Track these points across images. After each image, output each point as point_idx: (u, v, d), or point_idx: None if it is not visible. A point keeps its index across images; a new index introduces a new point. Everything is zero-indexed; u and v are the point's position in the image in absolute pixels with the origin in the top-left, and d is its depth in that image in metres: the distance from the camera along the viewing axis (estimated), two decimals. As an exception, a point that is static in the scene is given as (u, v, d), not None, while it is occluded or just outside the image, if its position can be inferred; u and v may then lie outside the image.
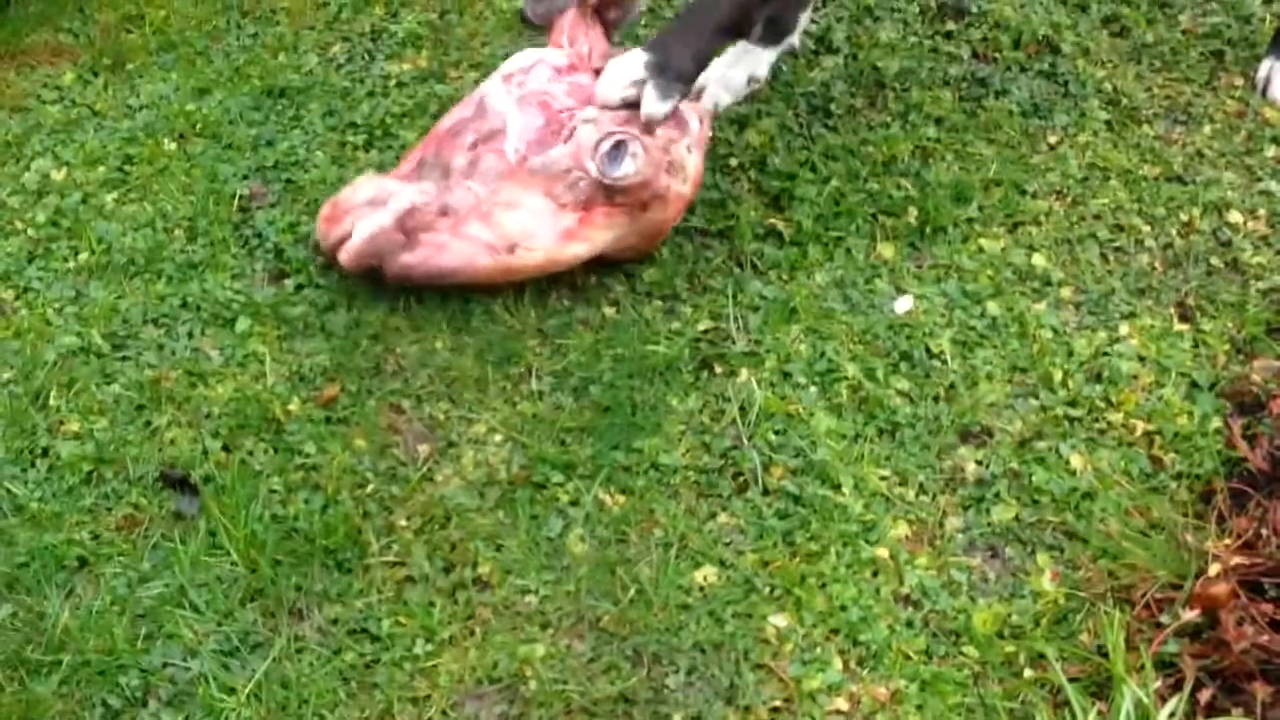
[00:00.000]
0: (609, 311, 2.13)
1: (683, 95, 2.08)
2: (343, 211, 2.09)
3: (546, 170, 2.04)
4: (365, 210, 2.07)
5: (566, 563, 1.80)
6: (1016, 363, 2.04)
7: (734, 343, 2.08)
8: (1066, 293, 2.16)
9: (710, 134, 2.19)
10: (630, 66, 2.07)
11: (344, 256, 2.06)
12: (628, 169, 2.03)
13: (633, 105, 2.06)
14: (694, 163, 2.11)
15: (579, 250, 2.07)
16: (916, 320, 2.10)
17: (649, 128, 2.06)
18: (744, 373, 2.03)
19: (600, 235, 2.07)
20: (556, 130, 2.07)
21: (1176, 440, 1.92)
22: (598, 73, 2.16)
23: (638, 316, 2.12)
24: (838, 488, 1.87)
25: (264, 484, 1.87)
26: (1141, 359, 2.04)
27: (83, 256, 2.19)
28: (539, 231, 2.05)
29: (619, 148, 2.03)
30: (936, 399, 1.99)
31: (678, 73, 2.05)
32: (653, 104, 2.05)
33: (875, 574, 1.78)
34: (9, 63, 2.58)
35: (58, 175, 2.33)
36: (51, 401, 1.97)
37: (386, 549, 1.82)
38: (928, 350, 2.06)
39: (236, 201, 2.28)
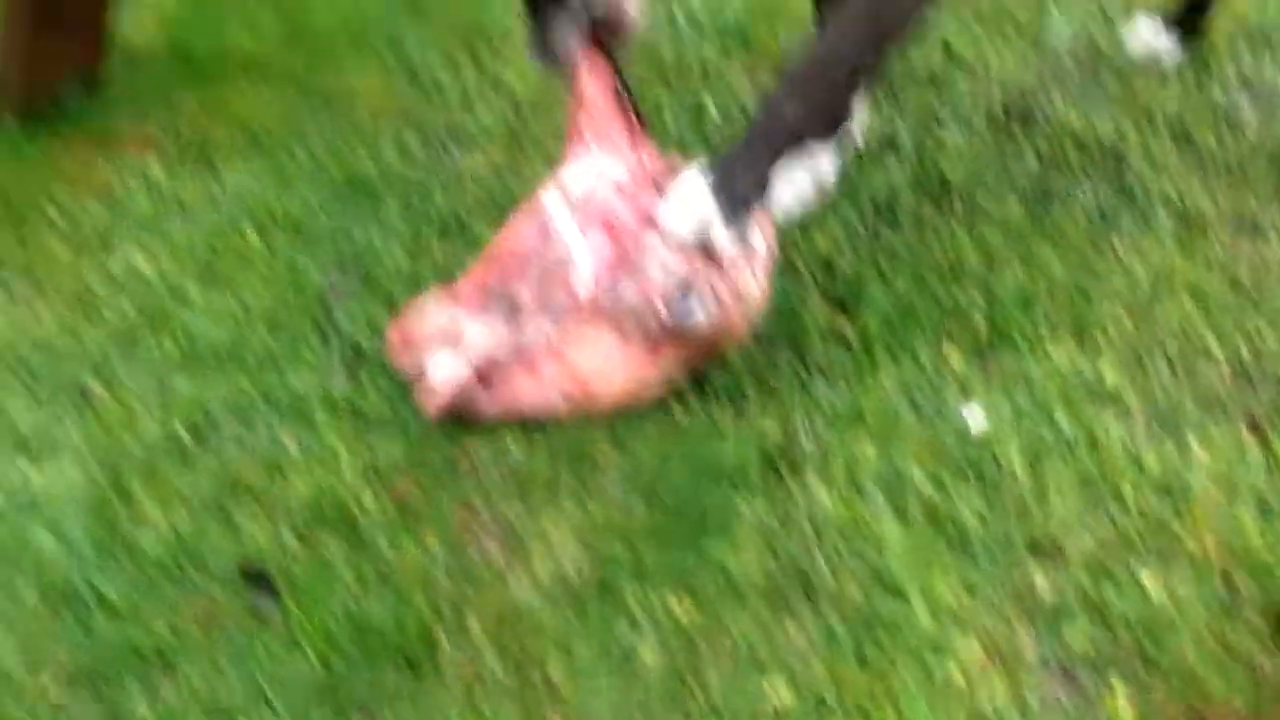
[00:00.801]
0: (678, 414, 2.15)
1: (749, 222, 2.08)
2: (413, 341, 2.13)
3: (616, 309, 2.08)
4: (436, 343, 2.10)
5: (636, 669, 1.81)
6: (1087, 476, 2.04)
7: (802, 448, 2.09)
8: (1135, 405, 2.16)
9: (776, 251, 2.20)
10: (696, 197, 2.07)
11: (428, 409, 2.10)
12: (697, 315, 2.07)
13: (701, 236, 2.07)
14: (761, 286, 2.13)
15: (651, 383, 2.13)
16: (984, 431, 2.11)
17: (718, 259, 2.07)
18: (812, 479, 2.05)
19: (671, 366, 2.13)
20: (624, 262, 2.09)
21: (1250, 563, 1.91)
22: (657, 182, 2.17)
23: (707, 419, 2.14)
24: (907, 601, 1.87)
25: (340, 580, 1.90)
26: (1213, 476, 2.04)
27: (167, 347, 2.25)
28: (611, 370, 2.10)
29: (688, 292, 2.06)
30: (1006, 513, 1.99)
31: (744, 200, 2.06)
32: (721, 236, 2.06)
33: (947, 692, 1.78)
34: (99, 152, 2.67)
35: (144, 265, 2.40)
36: (135, 493, 2.02)
37: (458, 649, 1.84)
38: (996, 461, 2.06)
39: (316, 294, 2.33)
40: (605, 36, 2.23)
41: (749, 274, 2.11)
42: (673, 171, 2.19)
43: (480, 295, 2.15)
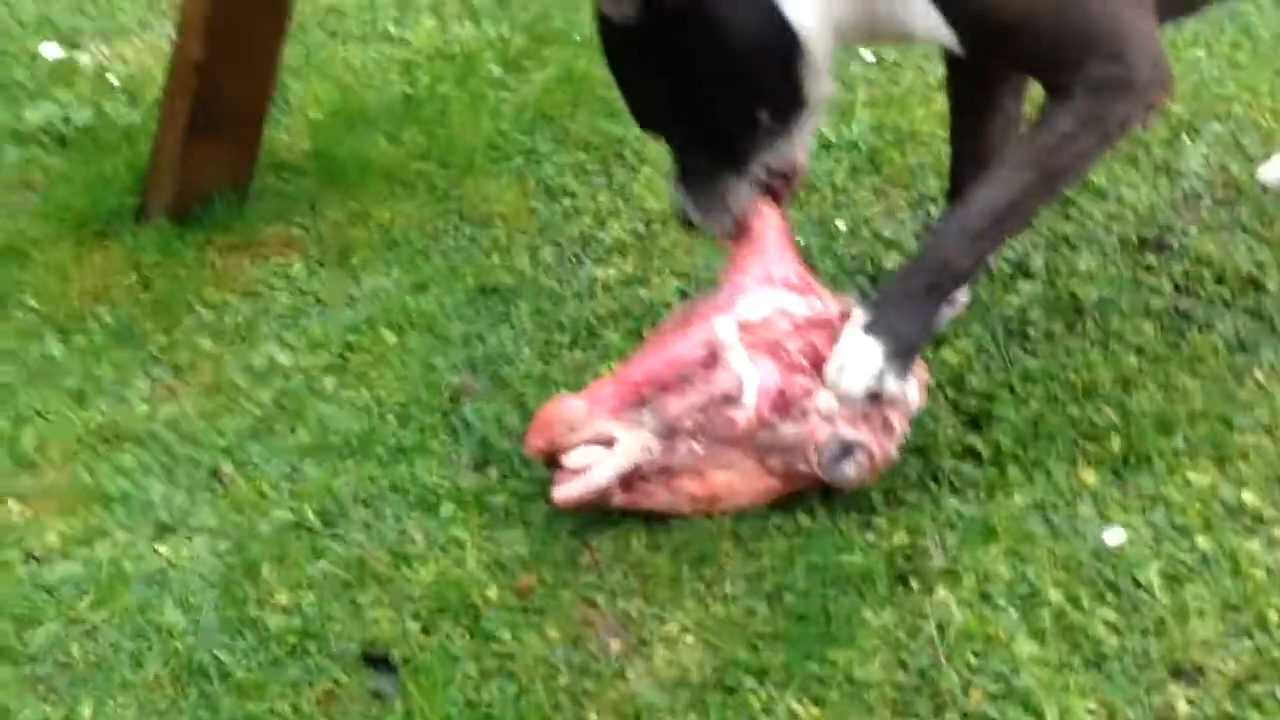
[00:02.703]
0: (804, 519, 2.13)
1: (912, 368, 2.11)
2: (555, 443, 2.09)
3: (770, 445, 2.09)
4: (580, 452, 2.08)
5: (758, 772, 1.77)
6: (1229, 600, 1.97)
7: (931, 559, 2.05)
8: (1279, 532, 2.09)
9: (926, 401, 2.20)
10: (867, 357, 2.07)
11: (559, 499, 2.09)
12: (848, 474, 2.09)
13: (871, 394, 2.08)
14: (905, 431, 2.15)
15: (773, 499, 2.14)
16: (1122, 550, 2.05)
17: (882, 416, 2.09)
18: (941, 590, 2.00)
19: (797, 490, 2.14)
20: (789, 402, 2.09)
21: (1403, 693, 1.83)
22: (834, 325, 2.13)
23: (833, 526, 2.12)
24: (1041, 716, 1.81)
25: (460, 668, 1.89)
26: (1361, 606, 1.96)
27: (301, 436, 2.29)
28: (743, 490, 2.11)
29: (848, 453, 2.08)
30: (1145, 632, 1.93)
31: (909, 348, 2.09)
32: (894, 387, 2.09)
33: (1084, 810, 1.71)
34: (244, 252, 2.76)
35: (283, 358, 2.46)
36: (263, 574, 2.04)
37: (577, 744, 1.82)
38: (1135, 581, 2.00)
39: (447, 392, 2.37)
40: (777, 188, 2.22)
41: (899, 430, 2.12)
42: (846, 315, 2.15)
43: (629, 400, 2.10)
